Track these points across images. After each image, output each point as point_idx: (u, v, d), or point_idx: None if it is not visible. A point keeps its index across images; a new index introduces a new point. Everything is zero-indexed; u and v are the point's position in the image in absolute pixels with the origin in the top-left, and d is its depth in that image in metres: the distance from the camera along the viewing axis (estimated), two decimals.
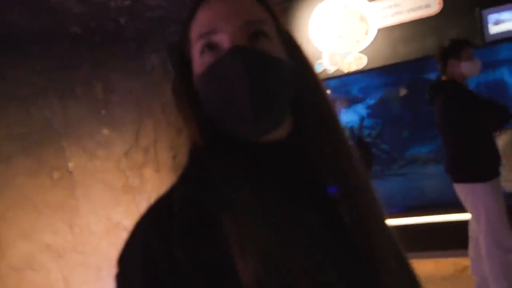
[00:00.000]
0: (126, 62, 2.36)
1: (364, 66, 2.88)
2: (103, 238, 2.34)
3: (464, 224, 2.23)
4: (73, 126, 2.28)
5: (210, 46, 0.50)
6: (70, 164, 2.31)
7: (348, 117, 5.30)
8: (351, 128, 5.28)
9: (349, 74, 2.95)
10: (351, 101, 5.29)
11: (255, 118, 0.47)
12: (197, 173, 0.50)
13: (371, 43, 2.84)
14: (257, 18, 0.51)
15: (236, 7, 0.50)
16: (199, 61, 0.51)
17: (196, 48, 0.51)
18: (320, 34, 2.94)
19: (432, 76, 5.00)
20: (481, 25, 2.59)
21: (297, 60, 0.55)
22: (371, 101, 5.35)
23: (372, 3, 2.83)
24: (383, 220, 0.56)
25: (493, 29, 2.60)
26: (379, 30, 2.83)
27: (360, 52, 2.89)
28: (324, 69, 2.97)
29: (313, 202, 0.50)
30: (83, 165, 2.34)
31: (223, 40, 0.49)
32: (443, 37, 2.67)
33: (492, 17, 2.59)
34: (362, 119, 5.33)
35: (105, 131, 2.36)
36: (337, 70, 2.95)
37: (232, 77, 0.47)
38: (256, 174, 0.49)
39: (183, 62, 0.55)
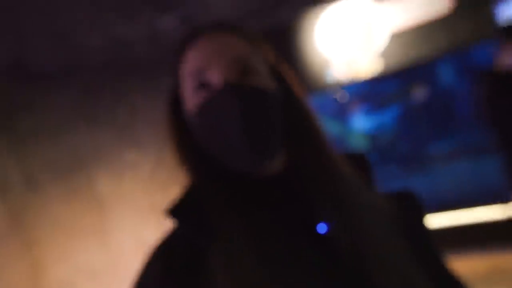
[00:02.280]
0: (145, 85, 2.45)
1: (377, 71, 2.89)
2: (134, 258, 2.40)
3: (494, 220, 2.19)
4: (101, 151, 2.37)
5: (202, 84, 0.52)
6: (100, 188, 2.39)
7: (364, 120, 5.27)
8: (367, 130, 5.25)
9: (363, 80, 2.96)
10: (366, 106, 5.27)
11: (250, 150, 0.49)
12: (191, 212, 0.52)
13: (382, 47, 2.84)
14: (244, 54, 0.53)
15: (225, 46, 0.53)
16: (191, 99, 0.53)
17: (188, 86, 0.53)
18: (330, 43, 2.96)
19: (444, 73, 4.95)
20: (494, 20, 2.57)
21: (286, 89, 0.56)
22: (386, 104, 5.32)
23: (380, 7, 2.84)
24: (393, 251, 0.50)
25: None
26: (389, 34, 2.83)
27: (373, 57, 2.89)
28: (336, 76, 2.99)
29: (309, 238, 0.49)
30: (111, 188, 2.42)
31: (214, 77, 0.51)
32: (455, 35, 2.66)
33: (504, 13, 2.56)
34: (377, 120, 5.30)
35: (131, 154, 2.44)
36: (350, 76, 2.96)
37: (226, 114, 0.49)
38: (251, 209, 0.49)
39: (175, 100, 0.57)
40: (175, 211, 0.52)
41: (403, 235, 0.53)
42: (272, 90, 0.53)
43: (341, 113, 5.24)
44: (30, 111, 2.18)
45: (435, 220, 2.76)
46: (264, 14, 2.23)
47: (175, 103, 0.57)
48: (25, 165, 2.15)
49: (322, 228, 0.50)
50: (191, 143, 0.54)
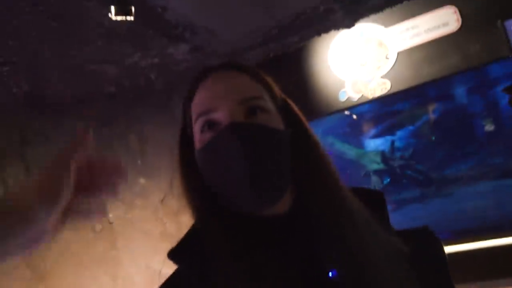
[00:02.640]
0: (157, 113, 2.49)
1: (388, 91, 2.86)
2: (144, 287, 2.35)
3: None
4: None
5: (210, 124, 0.52)
6: (111, 216, 2.38)
7: (378, 141, 5.19)
8: (383, 152, 5.15)
9: (374, 100, 2.93)
10: (381, 126, 5.21)
11: (254, 193, 0.47)
12: (191, 255, 0.50)
13: (393, 67, 2.83)
14: (253, 94, 0.52)
15: (233, 86, 0.52)
16: (200, 138, 0.53)
17: (196, 126, 0.53)
18: (341, 64, 2.97)
19: (458, 92, 4.87)
20: (506, 36, 2.54)
21: (295, 127, 0.55)
22: (402, 125, 5.25)
23: (388, 28, 2.86)
24: None
25: None
26: (399, 53, 2.83)
27: (382, 77, 2.88)
28: (349, 97, 2.98)
29: (315, 282, 0.47)
30: (122, 216, 2.41)
31: (222, 117, 0.50)
32: (466, 53, 2.64)
33: None
34: (392, 142, 5.21)
35: (142, 181, 2.44)
36: (362, 97, 2.95)
37: (230, 152, 0.48)
38: (253, 251, 0.47)
39: (185, 139, 0.57)
40: (175, 254, 0.52)
41: (416, 275, 0.49)
42: (281, 128, 0.52)
43: (356, 134, 5.19)
44: (43, 140, 2.23)
45: (457, 247, 2.62)
46: (273, 41, 2.27)
47: (184, 140, 0.58)
48: None
49: (330, 272, 0.47)
50: (197, 182, 0.54)
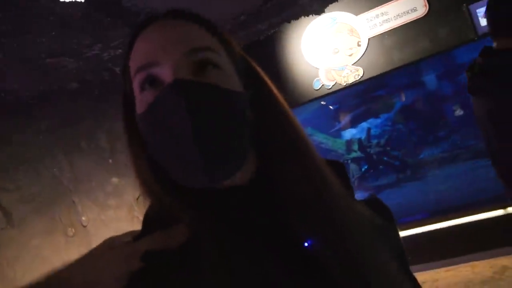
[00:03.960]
0: None
1: (361, 77, 2.88)
2: None
3: (493, 221, 2.13)
4: (82, 180, 2.28)
5: (151, 81, 0.42)
6: (84, 218, 2.29)
7: (354, 129, 5.26)
8: (359, 140, 5.22)
9: (347, 87, 2.95)
10: (355, 113, 5.28)
11: (205, 166, 0.39)
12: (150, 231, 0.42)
13: (364, 54, 2.85)
14: (204, 45, 0.43)
15: (179, 34, 0.43)
16: (140, 99, 0.43)
17: (135, 83, 0.43)
18: (314, 52, 2.97)
19: (429, 78, 4.99)
20: (471, 20, 2.60)
21: (257, 89, 0.47)
22: (375, 111, 5.34)
23: (359, 16, 2.87)
24: (379, 260, 0.45)
25: (484, 22, 2.60)
26: (370, 39, 2.85)
27: (355, 64, 2.90)
28: (322, 85, 2.98)
29: (288, 253, 0.42)
30: (96, 217, 2.32)
31: (165, 73, 0.41)
32: (435, 37, 2.68)
33: (480, 11, 2.59)
34: (368, 129, 5.29)
35: (114, 180, 2.35)
36: (335, 84, 2.95)
37: (174, 117, 0.39)
38: (222, 225, 0.41)
39: (128, 102, 0.47)
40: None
41: (383, 242, 0.46)
42: (237, 89, 0.44)
43: (332, 124, 5.24)
44: (6, 143, 2.11)
45: (430, 227, 2.70)
46: (241, 29, 2.22)
47: (128, 105, 0.47)
48: (2, 200, 2.06)
49: (306, 242, 0.43)
50: (142, 154, 0.45)
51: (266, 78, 0.49)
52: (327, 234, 0.43)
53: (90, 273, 0.42)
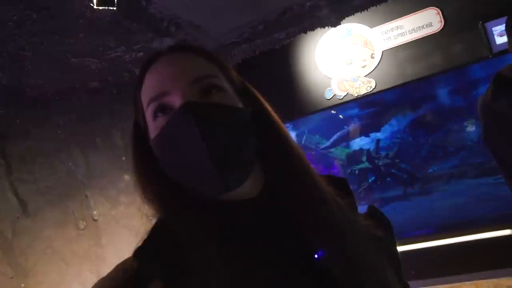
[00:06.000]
0: None
1: (373, 89, 2.90)
2: None
3: (500, 241, 2.12)
4: (96, 176, 2.35)
5: (163, 109, 0.48)
6: (95, 213, 2.35)
7: (363, 140, 5.25)
8: (368, 151, 5.22)
9: (359, 99, 2.97)
10: (365, 124, 5.27)
11: (217, 173, 0.43)
12: (155, 253, 0.46)
13: (377, 66, 2.88)
14: (207, 73, 0.49)
15: (184, 66, 0.49)
16: (153, 126, 0.49)
17: (148, 113, 0.49)
18: (327, 62, 3.00)
19: (441, 92, 4.97)
20: (487, 38, 2.60)
21: (255, 107, 0.52)
22: (385, 124, 5.32)
23: (374, 28, 2.90)
24: (381, 270, 0.48)
25: (499, 40, 2.60)
26: (384, 52, 2.87)
27: (367, 75, 2.92)
28: (334, 95, 3.01)
29: (302, 263, 0.45)
30: (107, 213, 2.38)
31: (175, 100, 0.47)
32: (449, 53, 2.70)
33: (496, 29, 2.60)
34: (377, 141, 5.28)
35: (126, 177, 2.41)
36: (347, 95, 2.98)
37: (186, 135, 0.44)
38: (234, 238, 0.45)
39: (139, 132, 0.53)
40: (140, 253, 0.48)
41: (382, 252, 0.51)
42: (239, 107, 0.49)
43: (339, 130, 5.24)
44: (25, 136, 2.19)
45: (435, 242, 2.68)
46: (259, 38, 2.27)
47: (138, 134, 0.53)
48: (19, 190, 2.13)
49: (316, 253, 0.46)
50: (156, 174, 0.50)
51: (263, 99, 0.56)
52: (336, 247, 0.46)
53: None
